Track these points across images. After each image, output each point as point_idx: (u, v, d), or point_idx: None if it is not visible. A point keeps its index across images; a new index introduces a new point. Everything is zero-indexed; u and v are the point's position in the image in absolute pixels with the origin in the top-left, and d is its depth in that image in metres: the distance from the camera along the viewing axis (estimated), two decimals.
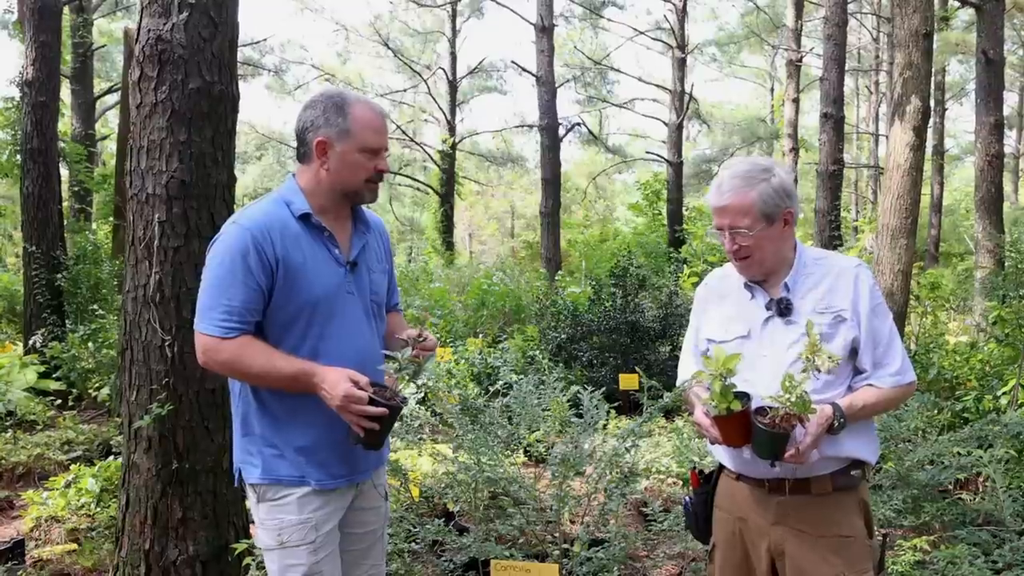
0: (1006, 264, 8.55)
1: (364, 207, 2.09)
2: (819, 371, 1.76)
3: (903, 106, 5.59)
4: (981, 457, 3.40)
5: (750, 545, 1.97)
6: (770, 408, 1.79)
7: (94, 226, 10.85)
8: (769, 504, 1.92)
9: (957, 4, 12.31)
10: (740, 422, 1.79)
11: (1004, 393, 4.85)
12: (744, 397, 1.80)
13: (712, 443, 1.91)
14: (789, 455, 1.76)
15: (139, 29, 2.89)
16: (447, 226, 20.67)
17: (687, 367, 2.15)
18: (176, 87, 2.84)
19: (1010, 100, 25.15)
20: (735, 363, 1.76)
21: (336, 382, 1.80)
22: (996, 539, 3.11)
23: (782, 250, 1.94)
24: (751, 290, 1.98)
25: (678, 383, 2.19)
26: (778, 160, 2.00)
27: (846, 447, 1.88)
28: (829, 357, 1.74)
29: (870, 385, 1.89)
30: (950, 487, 4.09)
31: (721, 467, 2.07)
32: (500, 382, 5.55)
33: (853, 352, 1.89)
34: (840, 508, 1.90)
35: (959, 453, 3.55)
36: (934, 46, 6.43)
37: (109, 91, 16.30)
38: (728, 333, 1.98)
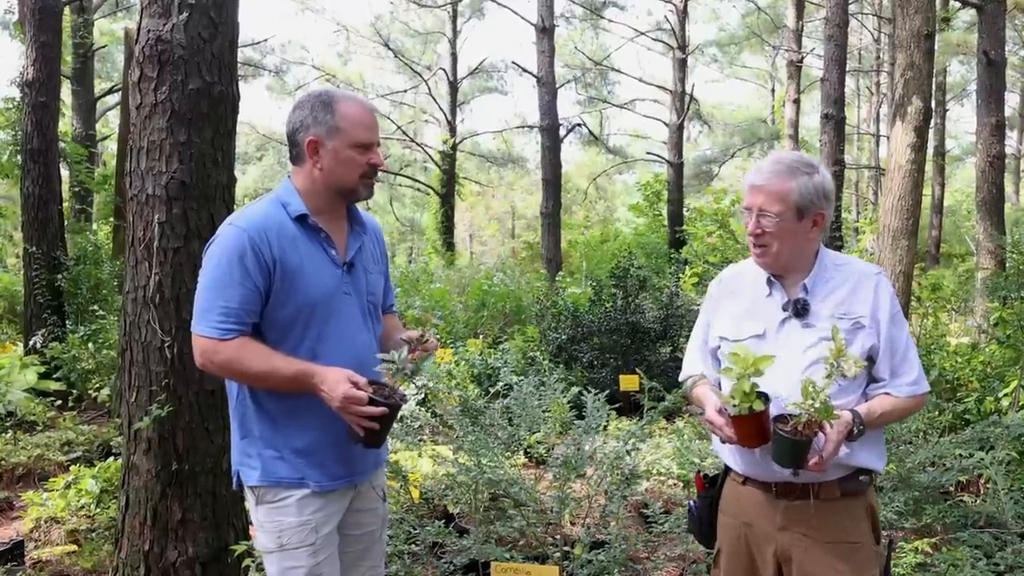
0: (1007, 265, 8.53)
1: (360, 208, 2.09)
2: (845, 376, 1.74)
3: (904, 107, 5.59)
4: (983, 459, 3.39)
5: (756, 550, 1.95)
6: (791, 416, 1.76)
7: (95, 227, 10.85)
8: (776, 509, 1.90)
9: (958, 5, 12.30)
10: (758, 422, 1.76)
11: (1005, 395, 4.84)
12: (764, 397, 1.77)
13: (724, 443, 1.88)
14: (813, 463, 1.74)
15: (139, 30, 2.88)
16: (447, 227, 20.66)
17: (693, 363, 2.13)
18: (176, 88, 2.84)
19: (1011, 101, 25.10)
20: (766, 365, 1.73)
21: (336, 383, 1.79)
22: (998, 541, 3.10)
23: (804, 250, 1.92)
24: (771, 286, 1.96)
25: (682, 377, 2.17)
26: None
27: (856, 456, 1.87)
28: (855, 362, 1.72)
29: (887, 394, 1.87)
30: (951, 489, 4.07)
31: (727, 471, 2.05)
32: (500, 383, 5.54)
33: (869, 360, 1.88)
34: (847, 514, 1.88)
35: (960, 455, 3.54)
36: (935, 47, 6.42)
37: (110, 91, 16.30)
38: (742, 331, 1.95)
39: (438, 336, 7.68)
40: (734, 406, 1.76)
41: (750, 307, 1.98)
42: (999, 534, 3.15)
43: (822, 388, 1.71)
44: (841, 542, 1.86)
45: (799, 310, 1.90)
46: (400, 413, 2.00)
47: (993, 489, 3.35)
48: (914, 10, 5.57)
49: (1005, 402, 4.76)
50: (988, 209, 9.52)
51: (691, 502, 2.14)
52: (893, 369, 1.88)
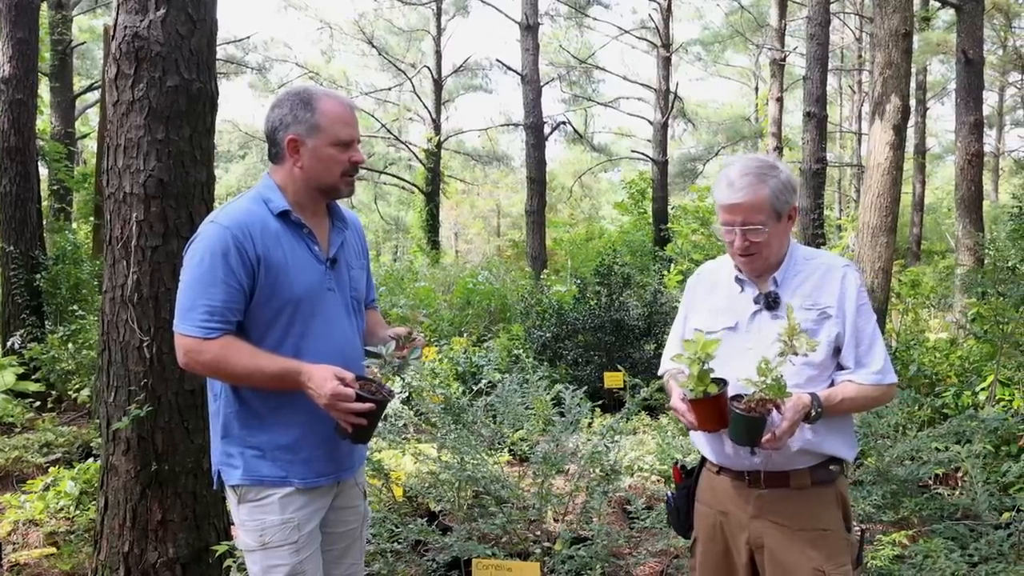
0: (985, 262, 8.66)
1: (340, 204, 2.08)
2: (796, 354, 1.77)
3: (883, 105, 5.65)
4: (959, 452, 3.45)
5: (730, 538, 2.00)
6: (746, 394, 1.81)
7: (74, 225, 10.73)
8: (749, 497, 1.95)
9: (938, 4, 12.44)
10: (715, 406, 1.81)
11: (982, 389, 4.92)
12: (721, 382, 1.82)
13: (689, 429, 1.93)
14: (766, 440, 1.78)
15: (116, 26, 2.85)
16: (433, 225, 20.61)
17: (670, 356, 2.17)
18: (153, 84, 2.82)
19: (990, 99, 25.52)
20: (714, 348, 1.79)
21: (323, 380, 1.79)
22: (973, 533, 3.15)
23: (784, 245, 1.97)
24: (741, 284, 2.01)
25: (660, 371, 2.21)
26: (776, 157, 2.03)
27: (824, 445, 1.91)
28: (807, 341, 1.76)
29: (850, 381, 1.91)
30: (929, 482, 4.14)
31: (703, 461, 2.09)
32: (484, 381, 5.54)
33: (837, 351, 1.91)
34: (819, 502, 1.92)
35: (938, 448, 3.60)
36: (915, 46, 6.50)
37: (89, 89, 16.06)
38: (715, 324, 2.00)
39: (423, 334, 7.66)
40: (691, 391, 1.81)
41: (724, 301, 2.03)
42: (974, 526, 3.20)
43: (775, 366, 1.75)
44: (812, 529, 1.90)
45: (770, 303, 1.95)
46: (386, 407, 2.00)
47: (969, 482, 3.41)
48: (892, 9, 5.63)
49: (982, 396, 4.84)
50: (967, 206, 9.65)
51: (668, 493, 2.18)
52: (858, 359, 1.92)
